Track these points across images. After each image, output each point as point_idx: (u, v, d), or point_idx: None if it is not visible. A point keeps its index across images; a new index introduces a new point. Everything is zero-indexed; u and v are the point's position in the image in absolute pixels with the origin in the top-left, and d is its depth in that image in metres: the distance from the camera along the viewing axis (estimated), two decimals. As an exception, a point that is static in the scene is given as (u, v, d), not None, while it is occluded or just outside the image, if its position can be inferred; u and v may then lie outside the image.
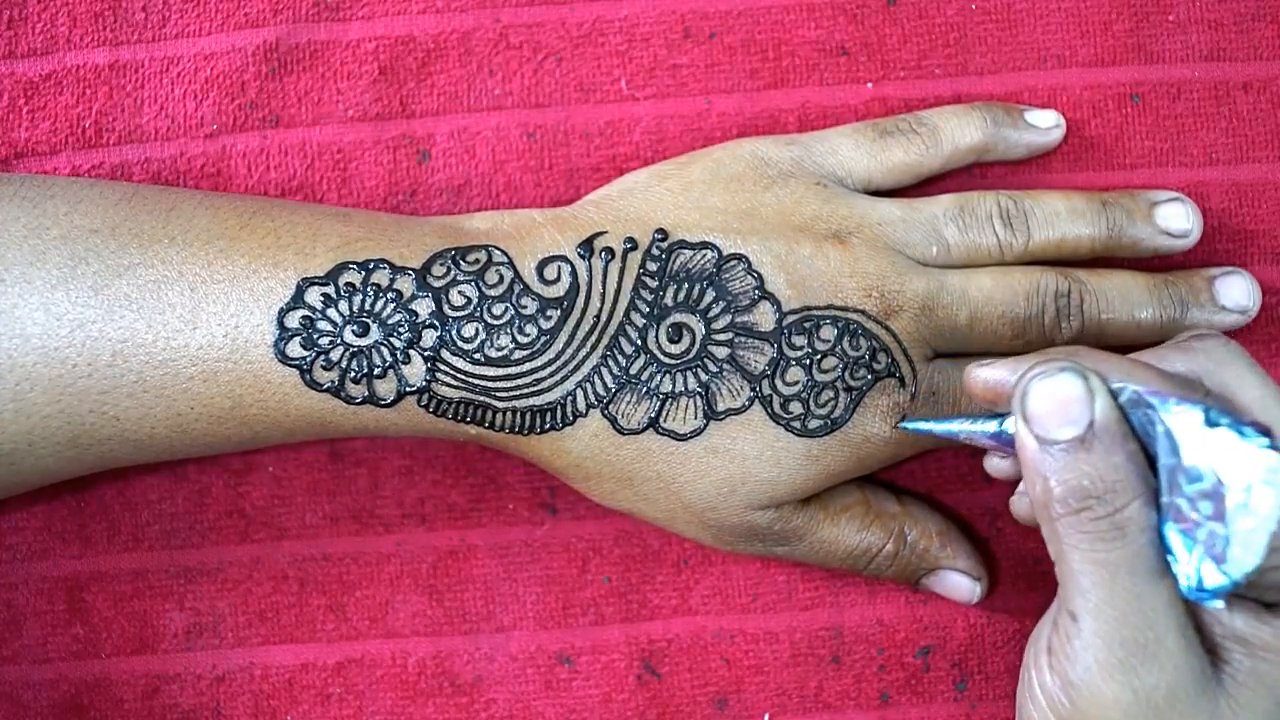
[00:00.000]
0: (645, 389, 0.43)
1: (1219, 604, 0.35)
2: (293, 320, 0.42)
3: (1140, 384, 0.37)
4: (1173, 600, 0.36)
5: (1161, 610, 0.36)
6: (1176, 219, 0.47)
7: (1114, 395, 0.37)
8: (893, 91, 0.50)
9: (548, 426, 0.43)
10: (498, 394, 0.43)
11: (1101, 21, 0.50)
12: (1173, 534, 0.35)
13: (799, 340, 0.44)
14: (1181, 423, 0.35)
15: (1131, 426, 0.37)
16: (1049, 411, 0.37)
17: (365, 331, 0.43)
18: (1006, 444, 0.40)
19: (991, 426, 0.40)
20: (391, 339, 0.43)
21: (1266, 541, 0.34)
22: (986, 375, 0.40)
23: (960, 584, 0.47)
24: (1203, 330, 0.44)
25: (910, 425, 0.43)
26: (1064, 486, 0.37)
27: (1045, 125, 0.48)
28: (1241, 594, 0.36)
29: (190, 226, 0.43)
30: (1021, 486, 0.43)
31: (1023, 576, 0.49)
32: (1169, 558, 0.36)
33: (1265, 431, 0.34)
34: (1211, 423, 0.34)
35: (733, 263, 0.44)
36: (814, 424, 0.44)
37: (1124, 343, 0.45)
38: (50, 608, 0.49)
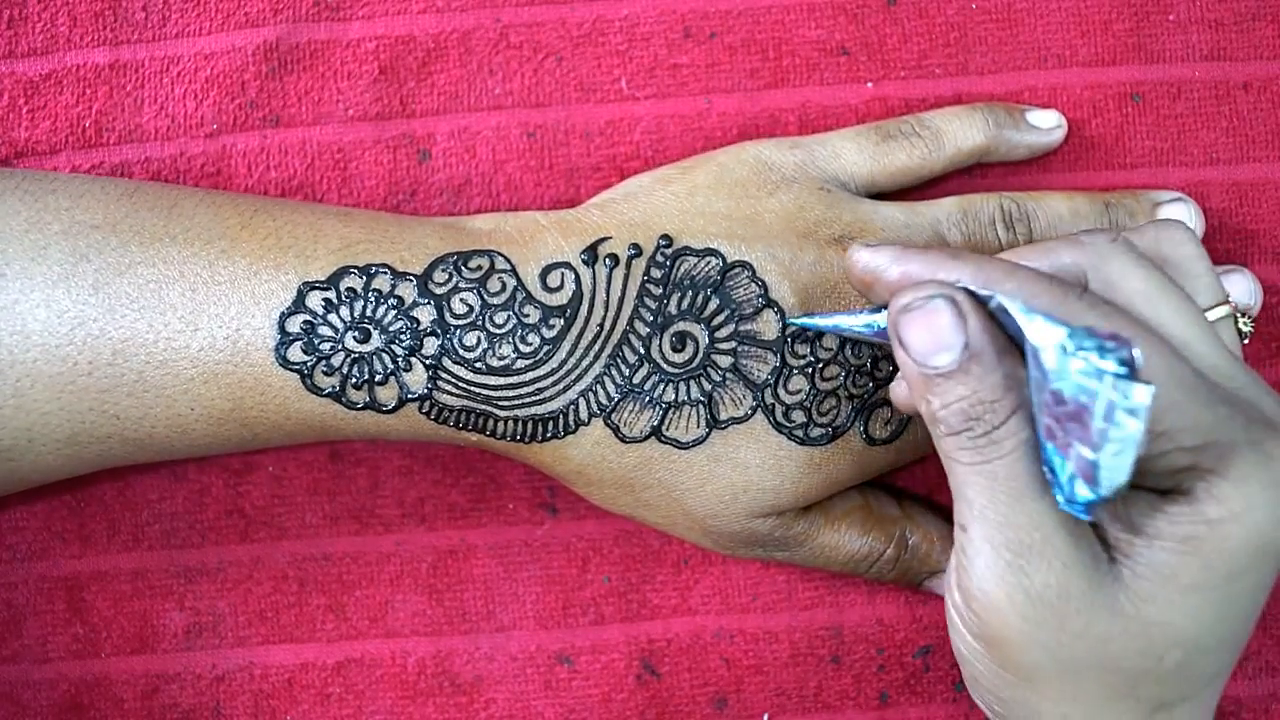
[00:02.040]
0: (648, 398, 0.43)
1: (1089, 517, 0.35)
2: (294, 324, 0.42)
3: (1009, 294, 0.37)
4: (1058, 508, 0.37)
5: (1045, 512, 0.36)
6: (1179, 219, 0.47)
7: (984, 304, 0.37)
8: (893, 91, 0.50)
9: (549, 435, 0.43)
10: (499, 403, 0.43)
11: (1102, 21, 0.50)
12: (1048, 449, 0.35)
13: (802, 349, 0.44)
14: (1044, 340, 0.35)
15: (1006, 332, 0.37)
16: (922, 340, 0.37)
17: (366, 338, 0.43)
18: (884, 338, 0.40)
19: (874, 319, 0.41)
20: (393, 346, 0.43)
21: (1132, 462, 0.33)
22: (866, 259, 0.40)
23: None
24: (1095, 227, 0.44)
25: (794, 321, 0.43)
26: (946, 410, 0.37)
27: (1047, 126, 0.48)
28: (1134, 484, 0.36)
29: (191, 225, 0.43)
30: (900, 374, 0.43)
31: (1022, 577, 0.49)
32: (1045, 469, 0.36)
33: (1128, 358, 0.33)
34: (1073, 347, 0.34)
35: (737, 270, 0.43)
36: (816, 432, 0.44)
37: None
38: (50, 607, 0.49)
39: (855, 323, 0.41)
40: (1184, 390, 0.36)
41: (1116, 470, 0.34)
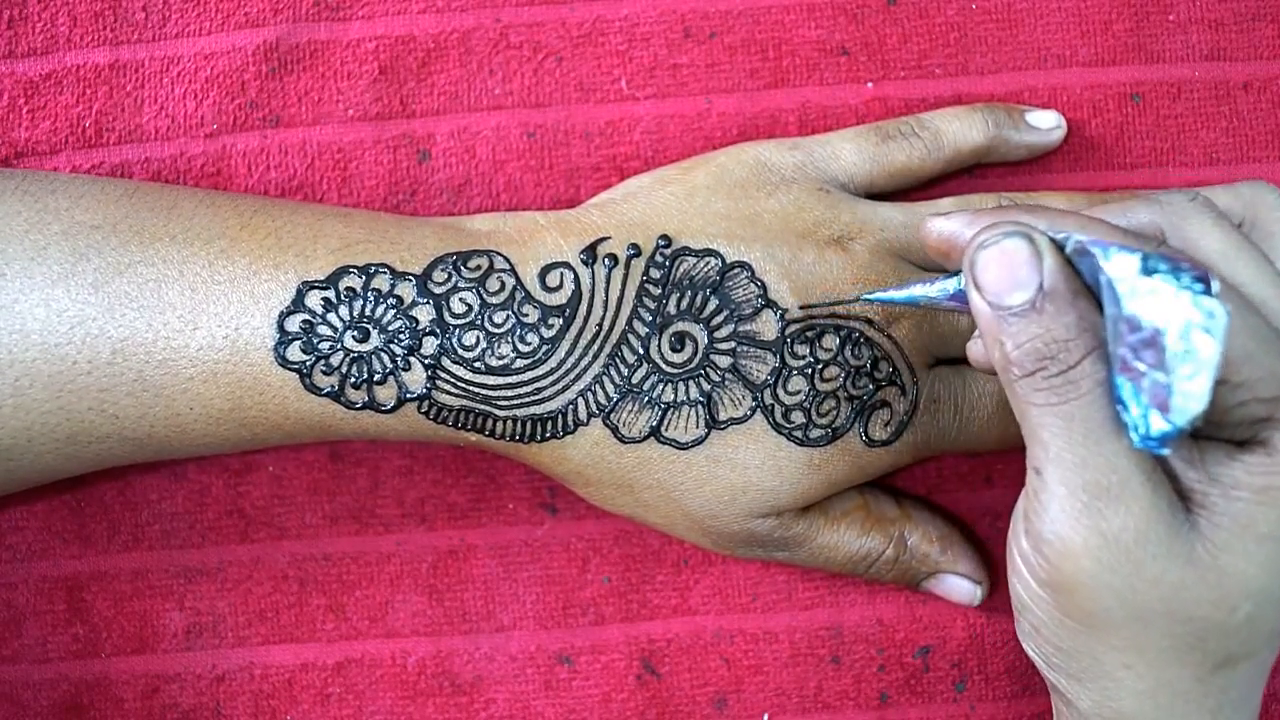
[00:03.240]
0: (647, 398, 0.43)
1: (1167, 451, 0.34)
2: (293, 324, 0.42)
3: (1084, 234, 0.36)
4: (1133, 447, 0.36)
5: (1123, 455, 0.36)
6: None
7: (1060, 248, 0.37)
8: (893, 91, 0.50)
9: (548, 435, 0.43)
10: (498, 402, 0.43)
11: (1102, 21, 0.50)
12: (1121, 384, 0.35)
13: (801, 349, 0.43)
14: (1121, 270, 0.34)
15: (1082, 278, 0.37)
16: (998, 278, 0.37)
17: (365, 337, 0.43)
18: (963, 302, 0.40)
19: (950, 286, 0.40)
20: (392, 345, 0.43)
21: (1209, 387, 0.33)
22: (941, 227, 0.40)
23: (961, 587, 0.47)
24: (1172, 189, 0.44)
25: (871, 296, 0.42)
26: (1019, 350, 0.37)
27: (1046, 126, 0.48)
28: (1211, 434, 0.36)
29: (191, 225, 0.43)
30: (977, 332, 0.42)
31: (1022, 577, 0.49)
32: (1119, 408, 0.35)
33: (1203, 277, 0.33)
34: (1148, 270, 0.34)
35: (736, 270, 0.43)
36: (816, 433, 0.44)
37: None
38: (50, 608, 0.49)
39: (932, 290, 0.40)
40: (1260, 341, 0.35)
41: (1193, 395, 0.33)
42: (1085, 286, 0.37)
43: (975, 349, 0.42)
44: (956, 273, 0.40)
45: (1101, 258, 0.35)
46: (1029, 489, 0.37)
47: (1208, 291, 0.33)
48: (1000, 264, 0.37)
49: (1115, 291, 0.34)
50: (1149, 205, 0.40)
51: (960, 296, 0.40)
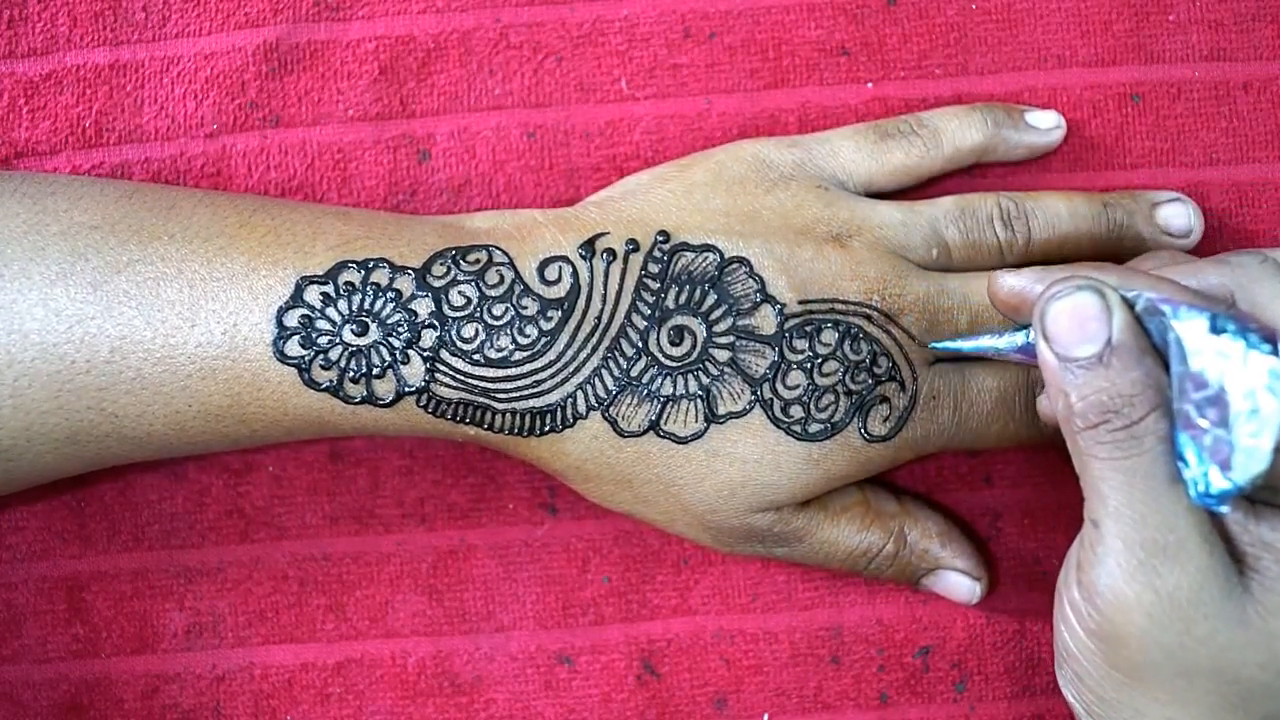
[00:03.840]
0: (646, 391, 0.43)
1: (1225, 509, 0.35)
2: (291, 319, 0.42)
3: (1155, 293, 0.37)
4: (1193, 505, 0.37)
5: (1182, 514, 0.36)
6: (1178, 219, 0.47)
7: (1130, 306, 0.37)
8: (893, 91, 0.50)
9: (547, 429, 0.43)
10: (497, 395, 0.43)
11: (1101, 21, 0.50)
12: (1183, 441, 0.35)
13: (800, 344, 0.44)
14: (1189, 329, 0.35)
15: (1150, 337, 0.37)
16: (1067, 330, 0.37)
17: (364, 331, 0.43)
18: (1031, 355, 0.40)
19: (1019, 339, 0.41)
20: (390, 339, 0.43)
21: (1271, 447, 0.34)
22: (1012, 283, 0.41)
23: (960, 584, 0.47)
24: (1243, 250, 0.44)
25: (940, 345, 0.43)
26: (1084, 402, 0.37)
27: (1046, 126, 0.49)
28: (1267, 499, 0.36)
29: (190, 224, 0.43)
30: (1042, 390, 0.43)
31: (1022, 577, 0.49)
32: (1180, 464, 0.36)
33: (1271, 338, 0.34)
34: (1217, 329, 0.34)
35: (734, 265, 0.43)
36: (815, 428, 0.44)
37: None
38: (50, 608, 0.49)
39: (1000, 342, 0.41)
40: None
41: (1254, 456, 0.34)
42: (1153, 345, 0.37)
43: (1043, 403, 0.43)
44: (1025, 326, 0.41)
45: (1171, 316, 0.35)
46: (1084, 539, 0.38)
47: (1275, 352, 0.34)
48: (1070, 316, 0.37)
49: (1183, 349, 0.35)
50: (1219, 267, 0.40)
51: (1029, 349, 0.41)
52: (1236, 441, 0.34)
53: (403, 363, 0.43)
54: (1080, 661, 0.39)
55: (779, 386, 0.43)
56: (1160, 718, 0.38)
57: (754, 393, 0.43)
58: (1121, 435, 0.37)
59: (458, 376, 0.43)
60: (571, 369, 0.43)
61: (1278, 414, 0.33)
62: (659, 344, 0.43)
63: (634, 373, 0.43)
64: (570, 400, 0.43)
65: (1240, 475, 0.34)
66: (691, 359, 0.43)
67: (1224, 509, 0.35)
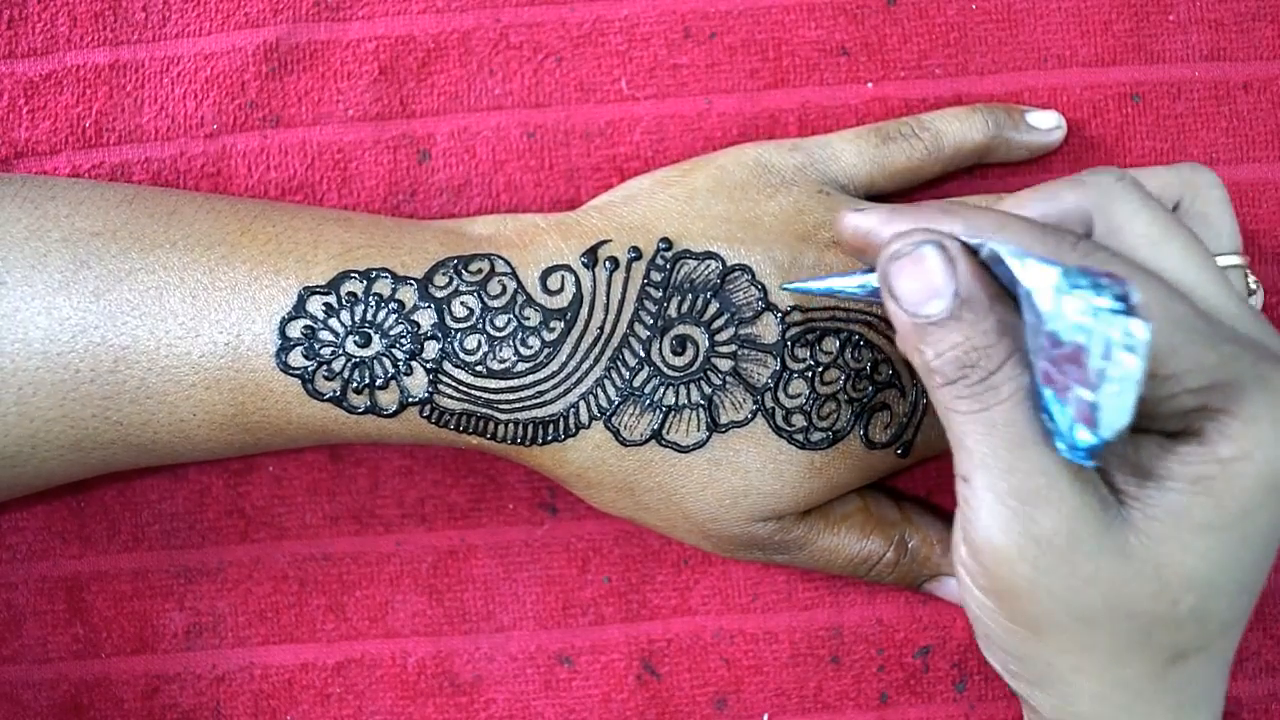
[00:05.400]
0: (649, 401, 0.43)
1: (1094, 463, 0.34)
2: (294, 330, 0.42)
3: (1000, 240, 0.36)
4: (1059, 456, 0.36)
5: (1048, 457, 0.35)
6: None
7: (975, 253, 0.37)
8: (893, 92, 0.50)
9: (550, 438, 0.43)
10: (500, 406, 0.43)
11: (1102, 21, 0.50)
12: (1047, 397, 0.34)
13: (802, 352, 0.43)
14: (1041, 281, 0.34)
15: (999, 281, 0.36)
16: (913, 289, 0.37)
17: (367, 342, 0.43)
18: (877, 298, 0.40)
19: (867, 279, 0.40)
20: (394, 350, 0.43)
21: (1132, 402, 0.33)
22: (857, 222, 0.40)
23: None
24: (1100, 167, 0.43)
25: (790, 286, 0.42)
26: (941, 359, 0.36)
27: (1046, 126, 0.48)
28: (1142, 427, 0.36)
29: (191, 231, 0.43)
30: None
31: (1022, 577, 0.49)
32: (1044, 416, 0.35)
33: (1125, 294, 0.33)
34: (1069, 285, 0.33)
35: (736, 273, 0.43)
36: (817, 436, 0.44)
37: None
38: (50, 608, 0.49)
39: (849, 283, 0.40)
40: (1186, 331, 0.35)
41: (1117, 411, 0.33)
42: (1003, 289, 0.37)
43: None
44: (872, 269, 0.40)
45: (1017, 268, 0.35)
46: (960, 498, 0.37)
47: (1128, 309, 0.33)
48: (914, 274, 0.37)
49: (1034, 302, 0.34)
50: (1076, 188, 0.39)
51: (876, 293, 0.40)
52: (1099, 400, 0.33)
53: (406, 374, 0.43)
54: (985, 624, 0.38)
55: (781, 395, 0.43)
56: (1069, 667, 0.37)
57: (756, 401, 0.43)
58: (979, 388, 0.36)
59: (461, 388, 0.43)
60: (574, 379, 0.43)
61: (1137, 369, 0.33)
62: (661, 354, 0.43)
63: (636, 383, 0.43)
64: (573, 410, 0.43)
65: (1105, 431, 0.33)
66: (694, 368, 0.43)
67: (1092, 463, 0.34)
